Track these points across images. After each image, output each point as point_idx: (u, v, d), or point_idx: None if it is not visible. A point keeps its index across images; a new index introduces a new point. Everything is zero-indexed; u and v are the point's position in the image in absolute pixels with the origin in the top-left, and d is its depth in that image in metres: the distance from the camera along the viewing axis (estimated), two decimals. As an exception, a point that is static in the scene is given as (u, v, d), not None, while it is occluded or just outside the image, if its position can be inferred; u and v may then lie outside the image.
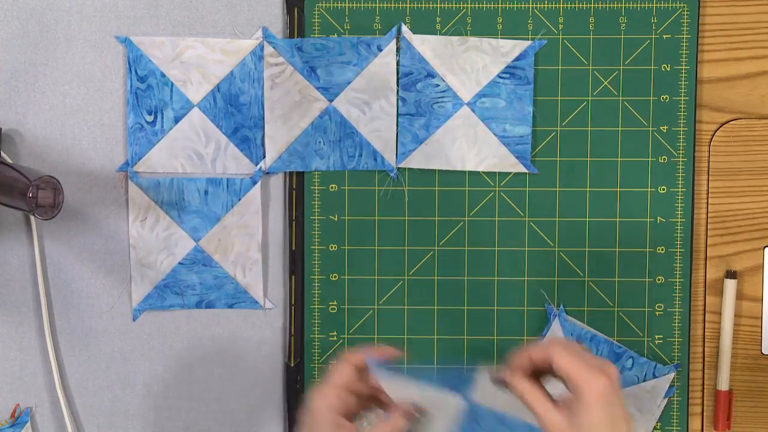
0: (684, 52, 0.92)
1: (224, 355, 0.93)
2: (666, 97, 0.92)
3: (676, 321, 0.93)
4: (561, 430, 0.79)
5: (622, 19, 0.92)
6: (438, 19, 0.92)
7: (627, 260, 0.93)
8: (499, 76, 0.92)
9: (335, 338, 0.94)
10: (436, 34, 0.92)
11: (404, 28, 0.91)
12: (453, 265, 0.93)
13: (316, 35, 0.92)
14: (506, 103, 0.92)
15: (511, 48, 0.91)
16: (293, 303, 0.94)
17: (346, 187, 0.93)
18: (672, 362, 0.93)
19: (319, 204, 0.93)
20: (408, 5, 0.92)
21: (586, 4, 0.92)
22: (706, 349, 0.94)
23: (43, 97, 0.91)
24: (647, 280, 0.93)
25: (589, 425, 0.79)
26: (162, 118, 0.91)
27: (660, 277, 0.93)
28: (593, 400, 0.79)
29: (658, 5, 0.92)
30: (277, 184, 0.93)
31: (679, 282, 0.93)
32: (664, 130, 0.92)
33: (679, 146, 0.92)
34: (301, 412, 0.78)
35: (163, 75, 0.91)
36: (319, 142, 0.92)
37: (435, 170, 0.93)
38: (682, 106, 0.92)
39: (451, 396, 0.80)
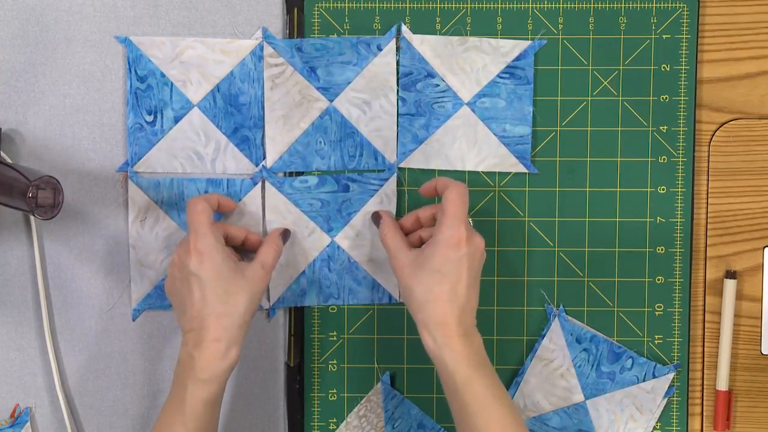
0: (684, 52, 0.92)
1: (224, 355, 0.93)
2: (666, 97, 0.92)
3: (676, 321, 0.93)
4: (404, 268, 0.82)
5: (622, 19, 0.92)
6: (438, 19, 0.92)
7: (627, 260, 0.93)
8: (499, 76, 0.91)
9: (335, 338, 0.94)
10: (436, 34, 0.92)
11: (404, 28, 0.91)
12: (453, 265, 0.93)
13: (316, 35, 0.92)
14: (506, 103, 0.92)
15: (511, 48, 0.91)
16: (293, 303, 0.94)
17: (346, 187, 0.93)
18: (672, 362, 0.93)
19: (319, 204, 0.93)
20: (408, 5, 0.92)
21: (586, 4, 0.92)
22: (705, 349, 0.94)
23: (43, 97, 0.91)
24: (647, 280, 0.93)
25: (430, 266, 0.80)
26: (162, 118, 0.91)
27: (660, 277, 0.93)
28: (443, 242, 0.81)
29: (658, 5, 0.92)
30: (277, 184, 0.93)
31: (678, 282, 0.93)
32: (664, 130, 0.92)
33: (679, 146, 0.92)
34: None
35: (162, 75, 0.90)
36: (320, 142, 0.92)
37: (435, 170, 0.92)
38: (682, 106, 0.92)
39: (321, 233, 0.90)
